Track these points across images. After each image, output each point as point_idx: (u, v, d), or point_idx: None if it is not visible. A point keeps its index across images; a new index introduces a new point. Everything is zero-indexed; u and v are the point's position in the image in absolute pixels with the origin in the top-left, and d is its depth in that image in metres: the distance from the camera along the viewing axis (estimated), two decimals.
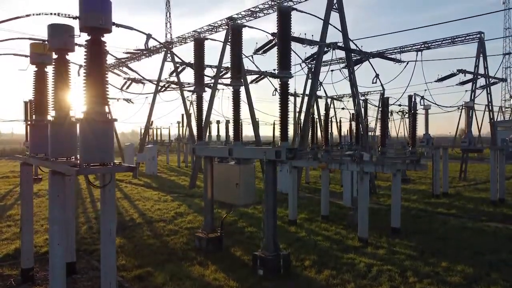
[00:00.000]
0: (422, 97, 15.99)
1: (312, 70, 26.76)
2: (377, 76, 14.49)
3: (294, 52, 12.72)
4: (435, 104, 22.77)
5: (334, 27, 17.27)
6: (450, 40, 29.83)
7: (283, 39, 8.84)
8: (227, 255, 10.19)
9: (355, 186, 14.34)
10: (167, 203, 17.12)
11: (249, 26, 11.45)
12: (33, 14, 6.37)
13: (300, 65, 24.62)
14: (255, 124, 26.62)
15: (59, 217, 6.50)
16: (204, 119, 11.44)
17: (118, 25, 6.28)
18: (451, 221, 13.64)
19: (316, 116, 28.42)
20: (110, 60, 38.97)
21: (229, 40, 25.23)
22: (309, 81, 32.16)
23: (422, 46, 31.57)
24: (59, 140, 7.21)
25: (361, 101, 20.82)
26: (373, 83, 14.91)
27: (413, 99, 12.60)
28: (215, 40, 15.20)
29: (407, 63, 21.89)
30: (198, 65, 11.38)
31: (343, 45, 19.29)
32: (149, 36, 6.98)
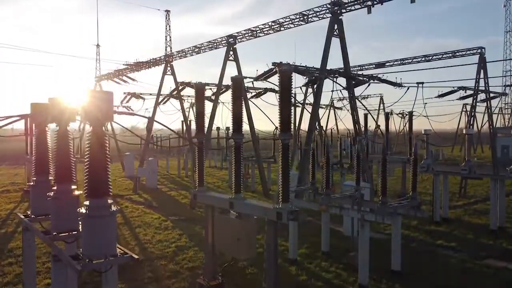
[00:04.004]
0: (423, 141, 15.99)
1: (311, 82, 26.71)
2: (378, 127, 14.48)
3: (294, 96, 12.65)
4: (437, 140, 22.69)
5: (333, 76, 17.28)
6: (450, 54, 29.90)
7: (284, 100, 8.78)
8: None
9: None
10: (167, 232, 17.17)
11: (249, 77, 11.35)
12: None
13: (301, 88, 24.53)
14: (255, 141, 26.67)
15: None
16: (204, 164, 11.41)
17: (119, 113, 6.28)
18: (451, 260, 13.68)
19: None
20: (110, 68, 39.02)
21: (230, 58, 25.11)
22: (309, 90, 32.20)
23: (422, 59, 31.62)
24: (61, 214, 7.26)
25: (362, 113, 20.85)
26: (374, 134, 14.89)
27: (414, 146, 12.61)
28: (211, 88, 15.10)
29: (408, 88, 21.89)
30: (199, 111, 11.32)
31: (343, 69, 19.28)
32: (151, 120, 6.97)
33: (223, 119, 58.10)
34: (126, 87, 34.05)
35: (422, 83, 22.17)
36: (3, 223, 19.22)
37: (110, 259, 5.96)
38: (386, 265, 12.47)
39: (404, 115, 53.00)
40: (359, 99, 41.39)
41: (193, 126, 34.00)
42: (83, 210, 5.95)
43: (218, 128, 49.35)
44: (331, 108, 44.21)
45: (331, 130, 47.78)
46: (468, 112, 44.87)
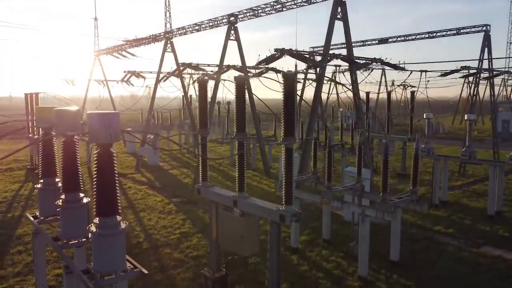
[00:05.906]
0: (424, 135, 16.00)
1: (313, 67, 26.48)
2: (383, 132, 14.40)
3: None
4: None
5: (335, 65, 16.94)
6: (455, 31, 29.43)
7: (288, 105, 8.77)
8: None
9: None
10: (171, 217, 17.49)
11: (253, 72, 11.26)
12: None
13: (302, 71, 24.31)
14: (256, 120, 26.73)
15: None
16: (207, 161, 11.50)
17: (126, 131, 6.35)
18: (449, 248, 14.03)
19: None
20: (110, 43, 38.40)
21: (230, 38, 24.75)
22: (310, 73, 31.91)
23: (426, 35, 31.14)
24: (70, 222, 7.46)
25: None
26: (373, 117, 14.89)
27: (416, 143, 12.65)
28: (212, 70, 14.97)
29: (411, 72, 21.69)
30: (202, 106, 11.29)
31: (346, 53, 19.06)
32: (156, 136, 7.03)
33: (224, 91, 57.83)
34: (126, 63, 33.70)
35: (426, 71, 21.95)
36: (10, 206, 19.48)
37: (120, 275, 6.21)
38: (385, 254, 12.82)
39: (406, 87, 52.82)
40: (361, 71, 41.10)
41: (194, 98, 33.90)
42: (93, 228, 6.11)
43: (218, 103, 49.27)
44: (332, 82, 43.86)
45: (332, 107, 47.65)
46: (470, 84, 44.44)
